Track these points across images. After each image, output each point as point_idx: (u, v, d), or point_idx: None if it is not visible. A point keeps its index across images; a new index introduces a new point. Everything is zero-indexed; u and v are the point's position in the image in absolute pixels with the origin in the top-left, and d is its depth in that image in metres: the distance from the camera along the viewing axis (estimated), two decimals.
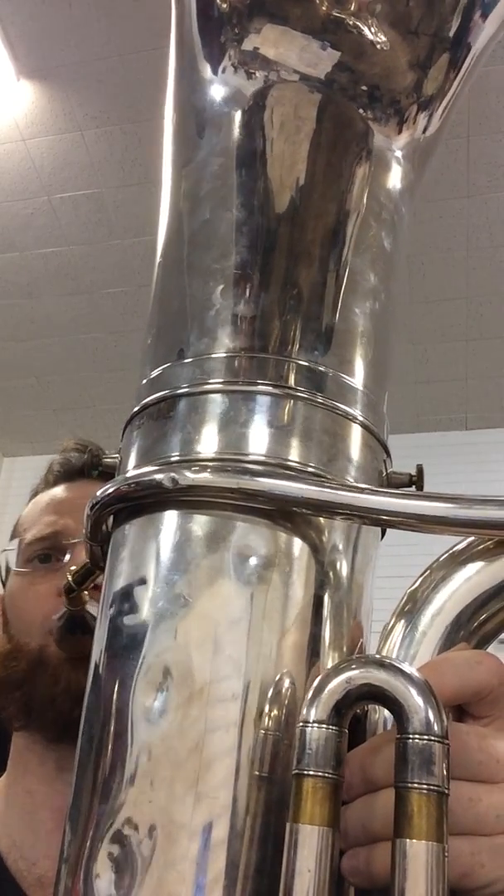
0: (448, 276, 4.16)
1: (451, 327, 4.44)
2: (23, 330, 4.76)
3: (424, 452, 2.91)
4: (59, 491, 0.99)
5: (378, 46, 0.52)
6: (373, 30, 0.51)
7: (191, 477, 0.43)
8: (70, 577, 0.59)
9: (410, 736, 0.36)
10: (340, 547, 0.46)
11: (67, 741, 0.84)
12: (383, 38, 0.52)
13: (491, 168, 3.64)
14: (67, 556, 0.89)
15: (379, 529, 0.49)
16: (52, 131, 3.77)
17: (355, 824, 0.39)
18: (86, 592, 0.63)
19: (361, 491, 0.42)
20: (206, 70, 0.55)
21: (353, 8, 0.51)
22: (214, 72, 0.54)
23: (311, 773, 0.36)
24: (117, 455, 0.52)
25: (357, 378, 0.50)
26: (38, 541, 0.93)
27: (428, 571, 0.47)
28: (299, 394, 0.47)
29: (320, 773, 0.36)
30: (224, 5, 0.54)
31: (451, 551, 0.47)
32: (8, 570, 0.95)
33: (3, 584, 0.96)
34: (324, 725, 0.37)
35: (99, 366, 4.94)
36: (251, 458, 0.45)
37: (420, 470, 0.52)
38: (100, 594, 0.82)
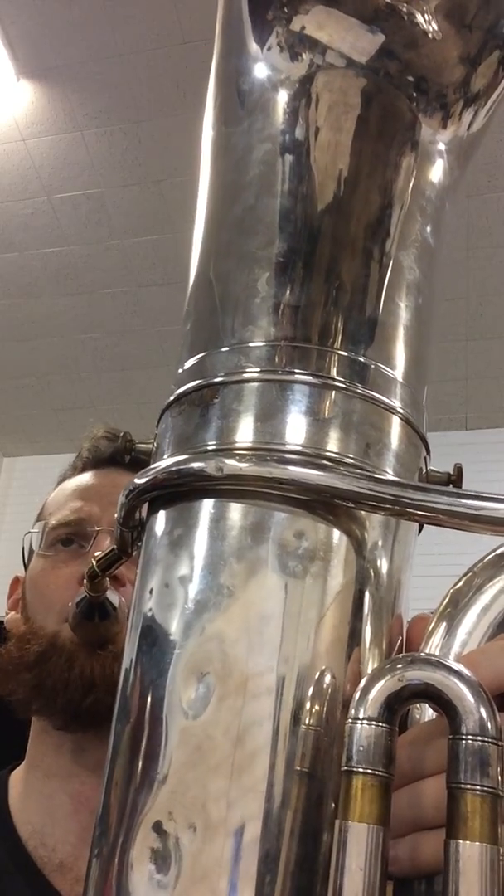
0: (448, 276, 4.15)
1: (451, 327, 4.44)
2: (23, 330, 4.74)
3: None
4: (86, 478, 0.99)
5: (430, 36, 0.51)
6: (426, 18, 0.51)
7: (236, 466, 0.42)
8: (95, 563, 0.57)
9: (464, 737, 0.35)
10: (381, 543, 0.44)
11: (76, 729, 0.83)
12: (436, 28, 0.51)
13: (491, 168, 3.64)
14: (90, 544, 0.89)
15: (416, 526, 0.48)
16: (52, 131, 3.76)
17: (401, 813, 0.37)
18: (107, 580, 0.62)
19: (416, 489, 0.41)
20: (253, 48, 0.54)
21: None
22: (260, 50, 0.53)
23: (361, 770, 0.35)
24: (152, 442, 0.51)
25: (398, 371, 0.49)
26: (63, 525, 0.92)
27: (471, 573, 0.46)
28: (339, 384, 0.46)
29: (371, 771, 0.35)
30: None
31: (496, 553, 0.46)
32: (31, 551, 0.94)
33: (26, 566, 0.95)
34: (374, 723, 0.36)
35: (99, 366, 4.92)
36: (289, 447, 0.44)
37: (459, 470, 0.51)
38: (119, 584, 0.81)
